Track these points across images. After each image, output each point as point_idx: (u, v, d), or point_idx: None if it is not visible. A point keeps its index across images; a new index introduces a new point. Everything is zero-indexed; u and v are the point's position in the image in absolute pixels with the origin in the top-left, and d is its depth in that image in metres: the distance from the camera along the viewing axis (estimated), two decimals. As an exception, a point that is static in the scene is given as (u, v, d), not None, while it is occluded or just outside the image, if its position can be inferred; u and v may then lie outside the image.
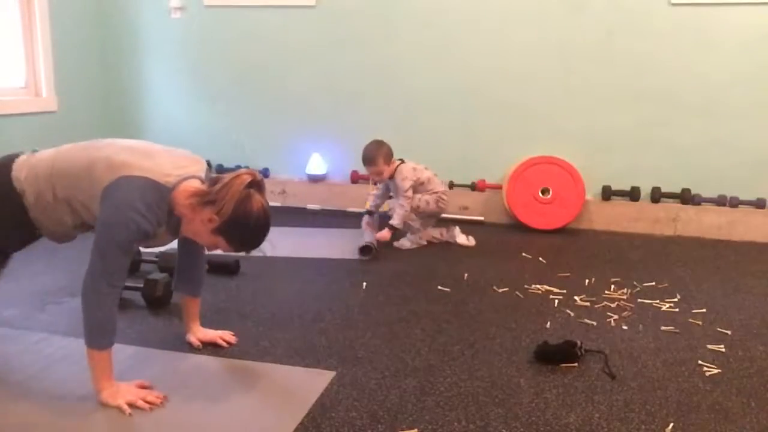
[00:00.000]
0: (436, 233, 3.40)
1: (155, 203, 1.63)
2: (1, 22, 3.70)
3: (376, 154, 3.25)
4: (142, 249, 2.77)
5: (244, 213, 1.63)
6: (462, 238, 3.36)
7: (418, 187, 3.27)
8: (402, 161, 3.34)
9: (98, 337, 1.62)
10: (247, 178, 1.65)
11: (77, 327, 1.77)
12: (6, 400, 1.67)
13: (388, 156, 3.27)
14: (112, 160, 1.64)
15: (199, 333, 2.03)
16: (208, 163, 4.62)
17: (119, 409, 1.60)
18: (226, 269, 2.76)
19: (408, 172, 3.26)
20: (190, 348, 1.99)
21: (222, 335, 2.04)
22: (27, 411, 1.62)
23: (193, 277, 2.01)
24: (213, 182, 1.69)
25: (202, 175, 1.77)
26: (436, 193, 3.30)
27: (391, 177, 3.30)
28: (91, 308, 1.61)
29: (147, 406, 1.62)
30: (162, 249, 2.73)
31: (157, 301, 2.35)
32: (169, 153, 1.77)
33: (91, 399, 1.65)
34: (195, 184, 1.70)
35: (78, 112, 4.10)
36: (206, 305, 2.35)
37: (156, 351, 1.97)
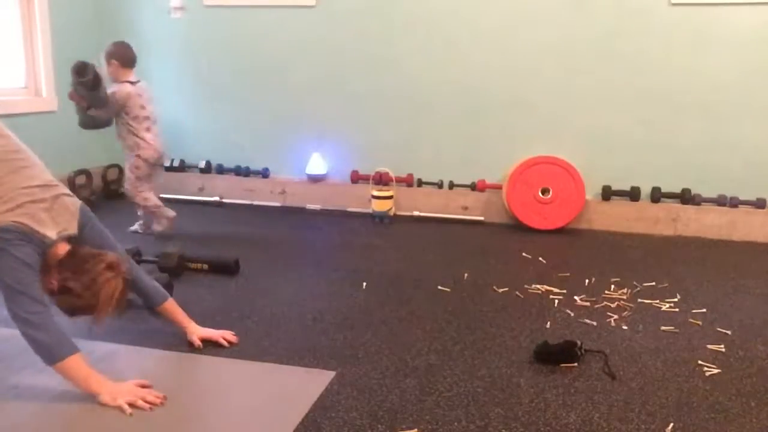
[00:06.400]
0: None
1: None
2: (1, 22, 3.70)
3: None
4: (141, 249, 2.77)
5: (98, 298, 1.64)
6: None
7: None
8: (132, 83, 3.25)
9: (54, 350, 1.61)
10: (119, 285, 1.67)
11: (77, 327, 1.77)
12: (5, 400, 1.67)
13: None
14: None
15: (199, 332, 2.03)
16: (208, 164, 4.58)
17: (120, 409, 1.61)
18: (226, 269, 2.75)
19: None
20: (190, 348, 1.99)
21: (223, 334, 2.04)
22: (26, 411, 1.62)
23: (146, 289, 1.99)
24: (77, 259, 1.67)
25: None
26: None
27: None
28: (31, 332, 1.60)
29: (147, 405, 1.62)
30: (162, 249, 2.74)
31: (157, 301, 2.34)
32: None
33: (91, 399, 1.64)
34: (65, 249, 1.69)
35: (78, 112, 4.09)
36: (206, 305, 2.35)
37: (156, 351, 1.97)
